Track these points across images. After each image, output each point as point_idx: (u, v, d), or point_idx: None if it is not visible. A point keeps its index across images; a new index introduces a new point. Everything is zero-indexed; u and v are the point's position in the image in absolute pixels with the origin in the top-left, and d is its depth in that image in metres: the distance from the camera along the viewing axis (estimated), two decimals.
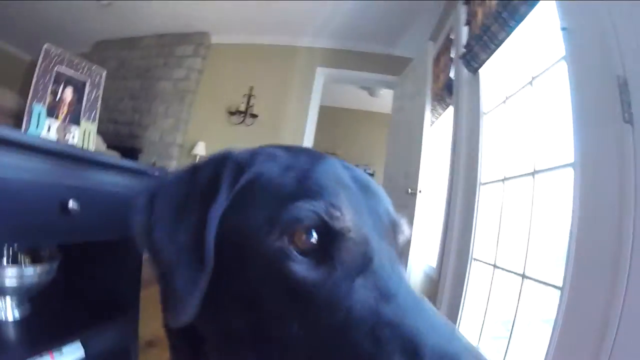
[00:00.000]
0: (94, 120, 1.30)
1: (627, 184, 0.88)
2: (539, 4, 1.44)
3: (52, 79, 1.22)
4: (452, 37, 2.56)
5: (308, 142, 3.75)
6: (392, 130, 3.42)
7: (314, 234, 0.31)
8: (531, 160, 1.42)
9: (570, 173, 1.13)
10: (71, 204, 0.92)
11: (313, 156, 0.39)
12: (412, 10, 3.20)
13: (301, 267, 0.30)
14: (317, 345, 0.28)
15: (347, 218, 0.32)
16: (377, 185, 0.42)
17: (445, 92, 2.55)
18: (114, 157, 1.09)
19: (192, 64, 3.89)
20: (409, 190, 2.50)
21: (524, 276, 1.34)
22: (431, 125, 2.78)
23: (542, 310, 1.34)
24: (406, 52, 3.59)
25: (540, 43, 1.52)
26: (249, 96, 3.84)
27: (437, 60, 2.89)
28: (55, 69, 1.23)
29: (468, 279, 1.79)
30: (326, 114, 4.56)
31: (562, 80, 1.23)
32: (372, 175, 4.46)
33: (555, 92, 1.37)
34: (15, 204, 0.81)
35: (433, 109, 2.75)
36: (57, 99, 1.23)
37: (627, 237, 0.85)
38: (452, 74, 2.47)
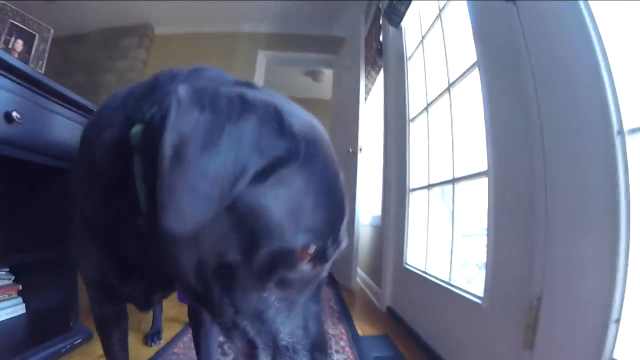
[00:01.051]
0: (40, 69, 1.37)
1: None
2: None
3: (6, 30, 1.29)
4: (380, 6, 2.72)
5: None
6: (333, 104, 3.53)
7: None
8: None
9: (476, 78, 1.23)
10: (15, 115, 0.91)
11: None
12: None
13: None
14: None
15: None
16: None
17: (377, 56, 2.69)
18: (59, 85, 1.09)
19: (136, 55, 3.90)
20: (350, 150, 2.60)
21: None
22: (367, 94, 2.92)
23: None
24: (343, 31, 3.75)
25: None
26: None
27: (370, 31, 3.05)
28: (9, 20, 1.29)
29: (408, 214, 1.88)
30: None
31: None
32: None
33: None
34: None
35: (369, 75, 2.88)
36: (9, 47, 1.30)
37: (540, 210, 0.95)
38: (382, 39, 2.62)
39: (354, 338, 1.52)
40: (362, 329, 1.69)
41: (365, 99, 3.00)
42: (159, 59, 4.04)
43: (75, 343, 1.23)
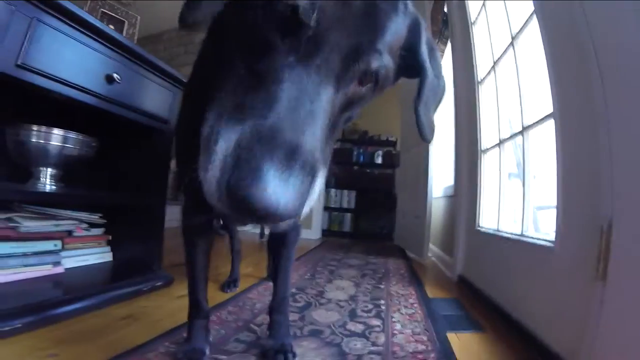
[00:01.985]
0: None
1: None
2: None
3: (98, 17, 1.54)
4: None
5: None
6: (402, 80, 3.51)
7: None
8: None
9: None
10: (116, 76, 1.14)
11: None
12: None
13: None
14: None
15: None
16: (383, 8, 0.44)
17: (443, 26, 2.65)
18: (150, 55, 1.31)
19: None
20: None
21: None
22: None
23: None
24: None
25: None
26: None
27: (434, 6, 3.00)
28: (100, 9, 1.54)
29: (481, 176, 1.84)
30: None
31: None
32: (394, 142, 4.51)
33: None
34: (73, 67, 1.02)
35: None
36: None
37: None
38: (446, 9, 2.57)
39: (424, 298, 1.55)
40: (433, 293, 1.70)
41: None
42: None
43: (156, 285, 1.36)
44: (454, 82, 2.22)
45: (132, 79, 1.25)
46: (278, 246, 0.92)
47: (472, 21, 2.02)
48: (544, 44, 1.14)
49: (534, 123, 1.31)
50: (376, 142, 4.57)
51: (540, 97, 1.30)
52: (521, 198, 1.37)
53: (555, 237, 1.05)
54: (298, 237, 0.94)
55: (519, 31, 1.40)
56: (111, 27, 1.53)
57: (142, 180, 1.47)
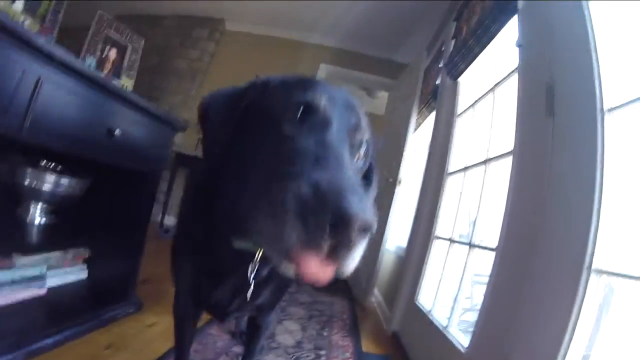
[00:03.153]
0: (132, 77, 1.58)
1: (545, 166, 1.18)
2: (505, 26, 1.75)
3: (102, 40, 1.52)
4: (443, 49, 2.87)
5: None
6: (385, 129, 3.72)
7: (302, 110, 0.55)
8: (484, 151, 1.72)
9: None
10: (117, 131, 1.21)
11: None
12: (415, 20, 3.51)
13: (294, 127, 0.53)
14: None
15: (323, 105, 0.55)
16: (354, 103, 0.63)
17: (432, 97, 2.86)
18: (149, 104, 1.39)
19: (205, 47, 4.24)
20: (389, 179, 2.81)
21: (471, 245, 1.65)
22: (417, 127, 3.09)
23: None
24: (405, 58, 3.90)
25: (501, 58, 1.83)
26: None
27: (429, 68, 3.19)
28: (105, 32, 1.53)
29: (428, 257, 2.09)
30: None
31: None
32: None
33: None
34: (74, 121, 1.09)
35: (420, 112, 3.05)
36: (104, 56, 1.54)
37: (544, 205, 1.15)
38: (438, 81, 2.77)
39: (358, 353, 1.78)
40: (368, 346, 1.94)
41: (415, 130, 3.17)
42: (226, 53, 4.33)
43: (129, 312, 1.47)
44: (427, 160, 2.45)
45: (131, 129, 1.33)
46: (252, 334, 1.04)
47: (458, 112, 2.25)
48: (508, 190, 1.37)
49: (481, 245, 1.56)
50: None
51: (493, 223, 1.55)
52: (454, 296, 1.63)
53: (470, 343, 1.31)
54: (273, 326, 1.10)
55: (494, 158, 1.64)
56: (113, 50, 1.56)
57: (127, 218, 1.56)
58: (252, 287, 0.72)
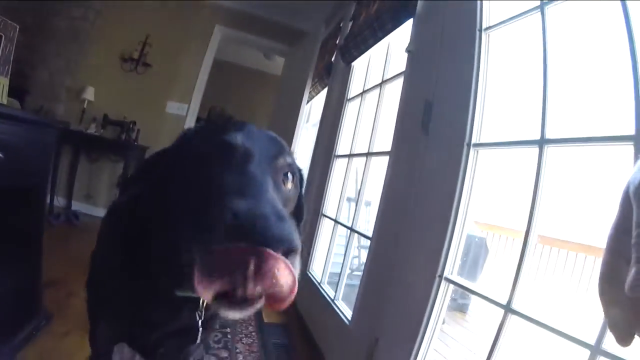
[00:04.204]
0: (6, 75, 1.27)
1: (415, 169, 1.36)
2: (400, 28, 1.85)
3: None
4: (341, 25, 2.91)
5: (198, 95, 3.80)
6: (278, 97, 3.71)
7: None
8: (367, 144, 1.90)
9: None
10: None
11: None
12: None
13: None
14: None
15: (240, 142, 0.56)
16: (274, 135, 0.65)
17: (325, 73, 2.92)
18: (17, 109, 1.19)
19: (90, 4, 3.56)
20: None
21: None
22: (310, 99, 3.16)
23: None
24: (303, 25, 3.84)
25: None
26: (144, 44, 3.78)
27: (326, 41, 3.22)
28: None
29: (318, 231, 2.26)
30: (220, 67, 4.57)
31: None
32: None
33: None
34: None
35: (314, 85, 3.11)
36: None
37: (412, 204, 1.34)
38: (334, 59, 2.84)
39: (260, 325, 1.92)
40: (269, 316, 2.08)
41: (307, 102, 3.23)
42: (114, 14, 3.78)
43: (41, 324, 1.39)
44: (316, 138, 2.56)
45: (14, 146, 1.14)
46: None
47: (349, 97, 2.38)
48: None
49: (362, 234, 1.77)
50: None
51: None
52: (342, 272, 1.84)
53: (352, 318, 1.53)
54: None
55: (376, 154, 1.81)
56: None
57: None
58: (200, 331, 0.71)
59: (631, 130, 0.73)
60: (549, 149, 0.93)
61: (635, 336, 0.29)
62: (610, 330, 0.31)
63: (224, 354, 1.50)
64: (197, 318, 0.69)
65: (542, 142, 0.94)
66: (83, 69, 3.67)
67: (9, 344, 1.20)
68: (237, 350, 1.57)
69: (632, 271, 0.27)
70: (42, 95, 3.43)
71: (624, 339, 0.30)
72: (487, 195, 4.19)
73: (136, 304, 0.69)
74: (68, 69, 3.60)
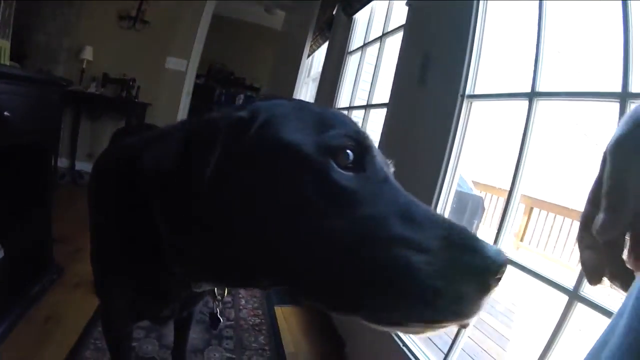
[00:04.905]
0: (7, 38, 1.27)
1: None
2: None
3: None
4: None
5: (198, 50, 3.78)
6: (279, 52, 3.72)
7: (350, 153, 0.40)
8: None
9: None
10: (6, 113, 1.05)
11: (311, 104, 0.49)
12: None
13: (342, 177, 0.38)
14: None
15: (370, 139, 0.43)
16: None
17: (326, 27, 2.95)
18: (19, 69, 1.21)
19: None
20: None
21: None
22: (311, 53, 3.20)
23: None
24: None
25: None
26: (141, 1, 3.68)
27: (323, 9, 3.17)
28: None
29: None
30: (219, 23, 4.49)
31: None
32: (258, 89, 4.72)
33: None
34: None
35: (315, 40, 3.14)
36: None
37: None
38: (335, 11, 2.85)
39: None
40: None
41: (308, 56, 3.27)
42: None
43: (53, 278, 1.48)
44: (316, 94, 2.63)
45: (21, 105, 1.17)
46: (184, 323, 1.03)
47: (350, 50, 2.44)
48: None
49: None
50: (240, 84, 4.68)
51: None
52: None
53: None
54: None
55: (375, 106, 1.93)
56: None
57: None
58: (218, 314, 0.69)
59: (619, 88, 0.75)
60: (539, 102, 0.97)
61: (604, 279, 0.32)
62: (584, 272, 0.34)
63: (227, 298, 1.65)
64: (215, 308, 0.67)
65: (532, 95, 0.97)
66: (81, 29, 3.61)
67: (25, 296, 1.28)
68: (240, 296, 1.71)
69: (600, 216, 0.29)
70: (40, 58, 3.39)
71: (594, 279, 0.33)
72: (487, 158, 4.33)
73: (145, 282, 0.61)
74: (66, 30, 3.53)
